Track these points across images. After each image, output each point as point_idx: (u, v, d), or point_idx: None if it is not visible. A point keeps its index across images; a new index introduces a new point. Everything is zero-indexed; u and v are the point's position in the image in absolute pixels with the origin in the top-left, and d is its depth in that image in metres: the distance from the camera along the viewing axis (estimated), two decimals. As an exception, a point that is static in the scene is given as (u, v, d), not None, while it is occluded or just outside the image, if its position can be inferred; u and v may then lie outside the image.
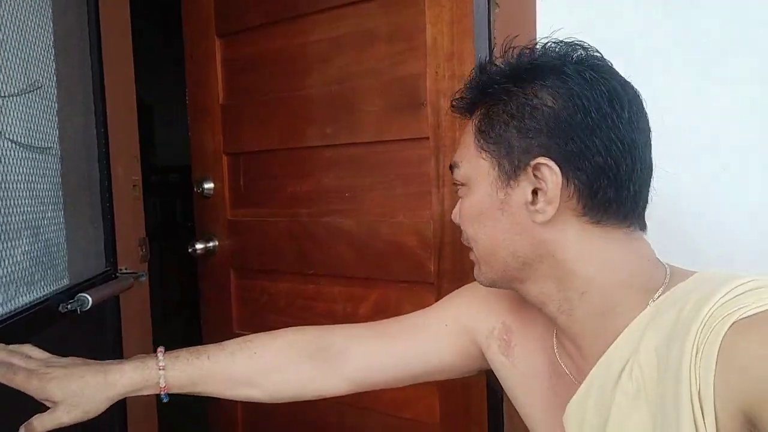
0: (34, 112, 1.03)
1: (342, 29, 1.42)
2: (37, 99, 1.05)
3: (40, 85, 1.07)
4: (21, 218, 0.95)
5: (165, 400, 0.75)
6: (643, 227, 0.63)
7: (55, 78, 1.14)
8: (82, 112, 1.28)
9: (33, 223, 0.99)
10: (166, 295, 4.81)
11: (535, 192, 0.60)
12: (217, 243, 1.70)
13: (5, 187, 0.91)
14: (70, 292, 1.05)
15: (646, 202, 0.63)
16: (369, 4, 1.37)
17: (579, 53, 0.62)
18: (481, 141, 0.64)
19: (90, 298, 1.03)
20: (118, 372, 0.72)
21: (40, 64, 1.07)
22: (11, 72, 0.96)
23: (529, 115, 0.59)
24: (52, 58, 1.13)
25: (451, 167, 0.69)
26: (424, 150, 1.30)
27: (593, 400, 0.60)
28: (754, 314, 0.49)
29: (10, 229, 0.91)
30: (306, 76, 1.49)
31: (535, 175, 0.59)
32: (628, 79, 0.62)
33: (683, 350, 0.50)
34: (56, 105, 1.14)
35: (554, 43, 0.63)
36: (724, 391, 0.48)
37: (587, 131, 0.57)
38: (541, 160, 0.58)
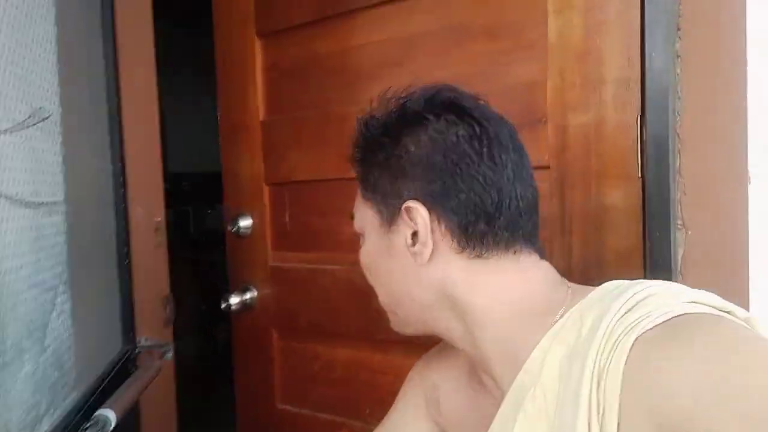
0: (32, 151, 0.72)
1: (417, 25, 1.09)
2: (37, 133, 0.73)
3: (46, 115, 0.76)
4: (20, 325, 0.64)
5: None
6: (536, 251, 0.63)
7: (58, 101, 0.83)
8: (93, 144, 0.97)
9: (36, 325, 0.68)
10: (180, 325, 4.50)
11: (415, 234, 0.62)
12: (255, 294, 1.37)
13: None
14: (85, 410, 0.73)
15: (534, 228, 0.63)
16: (458, -10, 1.03)
17: (443, 96, 0.63)
18: (364, 191, 0.68)
19: (112, 418, 0.71)
20: None
21: (40, 84, 0.76)
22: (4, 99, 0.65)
23: (396, 162, 0.62)
24: (55, 73, 0.82)
25: (351, 218, 0.72)
26: (542, 183, 0.95)
27: (503, 429, 0.59)
28: (656, 326, 0.48)
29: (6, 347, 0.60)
30: (370, 85, 1.16)
31: (409, 218, 0.61)
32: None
33: (582, 374, 0.50)
34: (60, 137, 0.83)
35: (420, 90, 0.65)
36: (634, 412, 0.46)
37: (448, 171, 0.59)
38: (409, 203, 0.61)
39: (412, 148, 0.61)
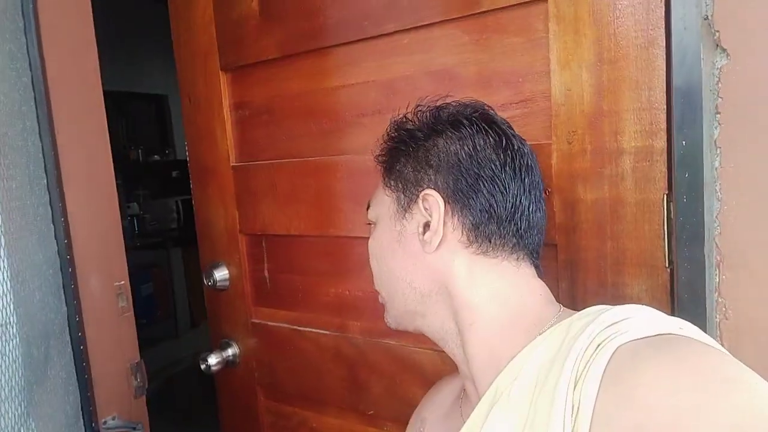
0: None
1: (398, 68, 0.94)
2: None
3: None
4: None
5: None
6: (536, 267, 0.65)
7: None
8: (31, 225, 0.85)
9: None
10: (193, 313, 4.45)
11: (427, 224, 0.63)
12: (237, 351, 1.26)
13: None
14: None
15: (538, 246, 0.65)
16: (443, 28, 0.88)
17: (479, 107, 0.66)
18: (385, 178, 0.69)
19: None
20: None
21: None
22: None
23: (423, 153, 0.65)
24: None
25: (367, 207, 0.73)
26: (549, 261, 0.82)
27: (474, 428, 0.59)
28: (641, 338, 0.47)
29: None
30: (348, 134, 1.02)
31: (425, 207, 0.63)
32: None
33: (560, 375, 0.49)
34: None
35: (454, 102, 0.68)
36: (609, 418, 0.44)
37: (471, 171, 0.62)
38: (428, 191, 0.62)
39: (441, 144, 0.64)
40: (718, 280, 0.60)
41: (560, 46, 0.76)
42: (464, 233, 0.62)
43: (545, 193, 0.80)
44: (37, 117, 0.91)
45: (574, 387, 0.48)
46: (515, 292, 0.62)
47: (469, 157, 0.62)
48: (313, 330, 1.13)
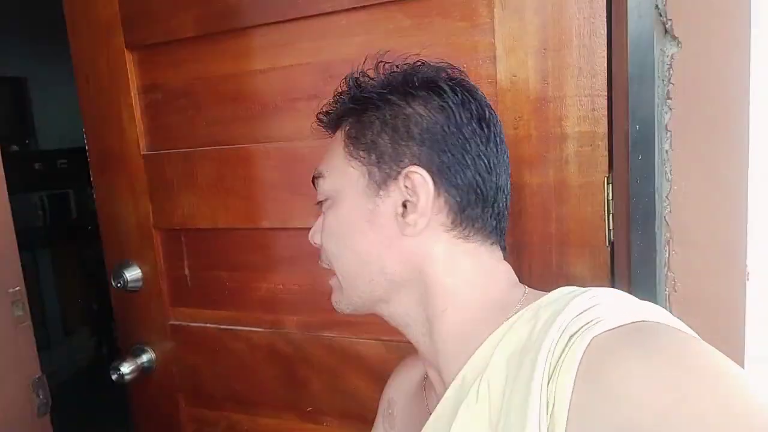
0: None
1: (336, 50, 0.91)
2: None
3: None
4: None
5: None
6: (503, 249, 0.63)
7: None
8: None
9: None
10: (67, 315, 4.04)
11: (404, 204, 0.58)
12: (153, 356, 1.16)
13: None
14: None
15: (506, 227, 0.63)
16: (385, 9, 0.86)
17: (452, 72, 0.62)
18: (351, 148, 0.61)
19: None
20: None
21: None
22: None
23: (403, 123, 0.58)
24: None
25: (314, 179, 0.66)
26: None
27: (443, 422, 0.57)
28: (614, 328, 0.46)
29: None
30: (280, 119, 0.97)
31: (406, 185, 0.58)
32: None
33: (534, 368, 0.47)
34: None
35: (423, 63, 0.63)
36: (586, 412, 0.43)
37: (459, 146, 0.57)
38: (414, 168, 0.57)
39: (423, 113, 0.58)
40: (667, 255, 0.65)
41: (506, 33, 0.78)
42: (449, 216, 0.58)
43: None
44: None
45: (548, 381, 0.46)
46: (488, 278, 0.60)
47: (456, 129, 0.57)
48: (244, 328, 1.07)
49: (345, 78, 0.64)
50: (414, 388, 0.74)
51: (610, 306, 0.49)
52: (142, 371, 1.15)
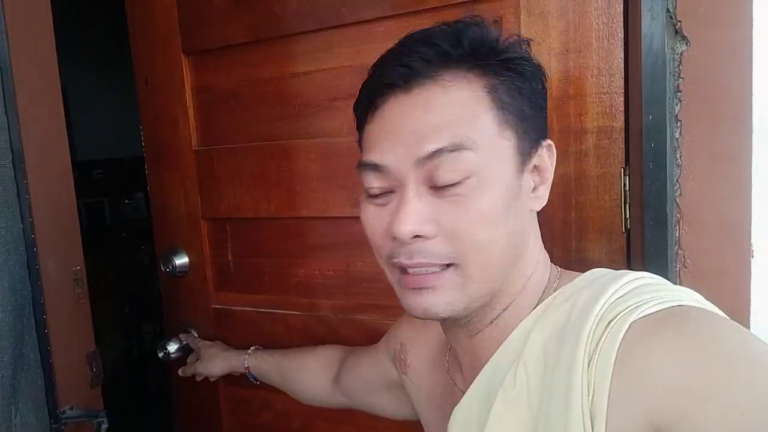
0: None
1: (374, 54, 0.98)
2: None
3: None
4: None
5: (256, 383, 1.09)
6: None
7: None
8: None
9: None
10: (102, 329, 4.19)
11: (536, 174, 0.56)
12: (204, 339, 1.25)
13: None
14: None
15: None
16: (417, 18, 0.94)
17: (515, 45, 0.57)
18: (506, 115, 0.53)
19: None
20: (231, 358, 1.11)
21: None
22: None
23: (541, 95, 0.56)
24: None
25: (453, 149, 0.51)
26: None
27: (476, 407, 0.57)
28: (652, 313, 0.46)
29: None
30: (320, 118, 1.05)
31: (548, 157, 0.56)
32: None
33: (575, 355, 0.47)
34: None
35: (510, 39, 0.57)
36: (625, 399, 0.44)
37: (546, 123, 0.58)
38: (550, 141, 0.57)
39: (537, 85, 0.57)
40: (678, 234, 0.70)
41: (530, 36, 0.85)
42: (536, 189, 0.57)
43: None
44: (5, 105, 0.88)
45: (588, 366, 0.47)
46: (534, 258, 0.59)
47: (545, 102, 0.58)
48: (281, 311, 1.15)
49: (471, 19, 0.56)
50: (434, 352, 0.74)
51: (646, 291, 0.50)
52: (186, 351, 1.24)
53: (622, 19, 0.79)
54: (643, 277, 0.53)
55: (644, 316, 0.46)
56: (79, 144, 4.23)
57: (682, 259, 0.70)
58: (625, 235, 0.83)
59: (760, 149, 0.65)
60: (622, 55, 0.80)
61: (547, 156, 0.57)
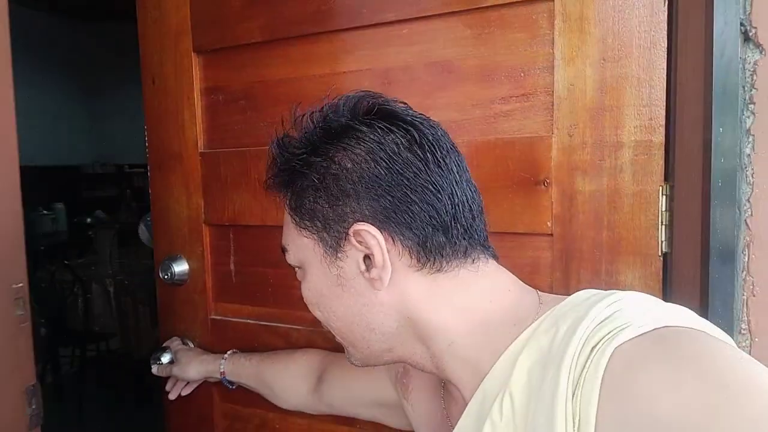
0: None
1: (395, 58, 0.94)
2: None
3: None
4: None
5: (231, 387, 1.06)
6: (492, 257, 0.60)
7: None
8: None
9: None
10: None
11: (367, 257, 0.56)
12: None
13: None
14: None
15: (485, 230, 0.60)
16: (445, 20, 0.89)
17: (367, 102, 0.59)
18: (297, 219, 0.60)
19: None
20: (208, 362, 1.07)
21: None
22: None
23: (334, 182, 0.56)
24: None
25: (282, 250, 0.65)
26: (544, 251, 0.84)
27: None
28: (639, 336, 0.44)
29: None
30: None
31: (359, 242, 0.56)
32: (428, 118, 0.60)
33: (557, 384, 0.46)
34: None
35: (342, 99, 0.60)
36: (613, 428, 0.42)
37: (395, 184, 0.54)
38: (358, 226, 0.55)
39: (349, 165, 0.55)
40: (747, 259, 0.64)
41: (565, 43, 0.80)
42: (413, 256, 0.55)
43: (544, 185, 0.83)
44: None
45: (572, 396, 0.45)
46: (483, 297, 0.57)
47: (387, 169, 0.54)
48: (284, 325, 1.08)
49: (272, 141, 0.62)
50: (433, 380, 0.71)
51: (631, 312, 0.47)
52: (181, 364, 1.17)
53: (665, 28, 0.74)
54: (629, 297, 0.50)
55: (629, 340, 0.44)
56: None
57: (750, 287, 0.64)
58: (662, 258, 0.77)
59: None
60: (664, 66, 0.75)
61: (365, 240, 0.55)
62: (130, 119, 5.32)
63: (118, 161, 5.99)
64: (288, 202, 0.61)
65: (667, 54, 0.74)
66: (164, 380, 1.16)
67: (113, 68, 5.56)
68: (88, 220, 4.37)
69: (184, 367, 1.08)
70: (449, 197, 0.55)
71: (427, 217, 0.55)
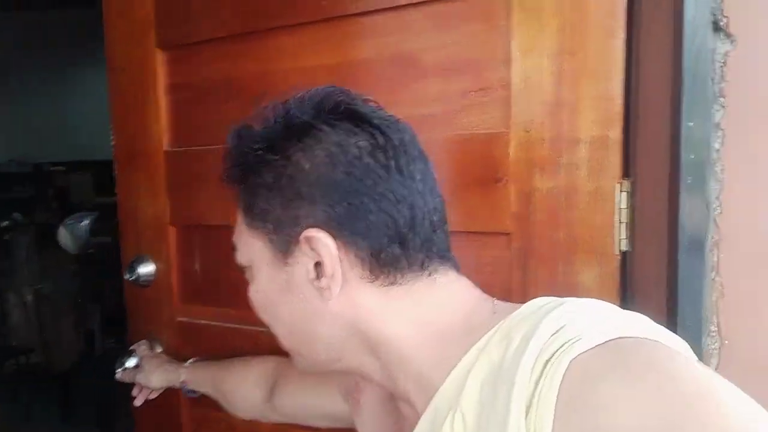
0: None
1: (357, 51, 0.92)
2: None
3: None
4: None
5: (189, 395, 1.04)
6: (452, 267, 0.57)
7: None
8: None
9: None
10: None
11: (318, 264, 0.53)
12: (160, 352, 1.16)
13: None
14: None
15: (446, 241, 0.57)
16: (407, 12, 0.87)
17: (335, 99, 0.55)
18: (248, 219, 0.57)
19: None
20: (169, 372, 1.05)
21: None
22: None
23: (289, 182, 0.53)
24: None
25: (233, 248, 0.62)
26: (502, 251, 0.82)
27: None
28: (594, 347, 0.42)
29: None
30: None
31: (311, 248, 0.52)
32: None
33: (509, 401, 0.43)
34: None
35: (308, 93, 0.57)
36: None
37: (353, 190, 0.51)
38: (310, 232, 0.52)
39: (307, 166, 0.53)
40: (716, 258, 0.61)
41: (523, 34, 0.77)
42: (365, 267, 0.53)
43: (501, 182, 0.80)
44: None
45: (526, 414, 0.43)
46: (438, 310, 0.55)
47: (346, 173, 0.51)
48: (251, 328, 1.06)
49: (231, 131, 0.59)
50: (385, 397, 0.68)
51: (582, 323, 0.45)
52: (147, 366, 1.15)
53: (624, 17, 0.72)
54: (582, 305, 0.48)
55: (585, 351, 0.42)
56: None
57: (720, 288, 0.61)
58: (619, 257, 0.74)
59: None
60: (622, 58, 0.72)
61: (316, 247, 0.52)
62: (49, 114, 4.96)
63: (38, 159, 5.48)
64: (240, 198, 0.59)
65: (627, 45, 0.72)
66: (131, 386, 1.14)
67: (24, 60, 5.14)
68: (5, 222, 4.10)
69: (148, 375, 1.06)
70: (409, 208, 0.53)
71: (384, 228, 0.52)
